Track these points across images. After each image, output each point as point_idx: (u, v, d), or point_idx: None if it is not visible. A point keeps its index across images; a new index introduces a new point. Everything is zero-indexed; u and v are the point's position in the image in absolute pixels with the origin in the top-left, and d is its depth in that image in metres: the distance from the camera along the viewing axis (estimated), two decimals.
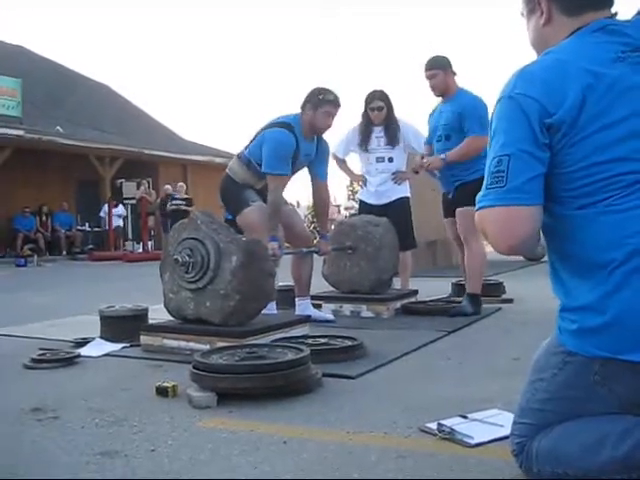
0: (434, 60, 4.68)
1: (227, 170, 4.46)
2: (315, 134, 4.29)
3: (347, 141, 5.35)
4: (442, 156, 4.63)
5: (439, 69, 4.64)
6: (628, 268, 1.41)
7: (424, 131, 5.10)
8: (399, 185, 5.32)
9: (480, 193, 1.52)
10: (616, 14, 1.58)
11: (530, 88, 1.47)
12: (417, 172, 5.36)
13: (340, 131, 5.45)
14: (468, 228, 4.50)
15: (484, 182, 1.51)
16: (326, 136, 4.43)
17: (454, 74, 4.70)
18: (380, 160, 5.28)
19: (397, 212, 5.22)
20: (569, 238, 1.50)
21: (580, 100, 1.43)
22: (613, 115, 1.44)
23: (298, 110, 4.27)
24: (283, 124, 4.16)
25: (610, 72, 1.45)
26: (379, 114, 5.20)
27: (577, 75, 1.44)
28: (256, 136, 4.28)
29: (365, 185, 5.40)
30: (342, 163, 5.48)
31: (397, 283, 5.39)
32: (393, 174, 5.28)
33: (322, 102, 4.18)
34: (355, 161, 5.57)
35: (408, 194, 5.44)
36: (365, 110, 5.24)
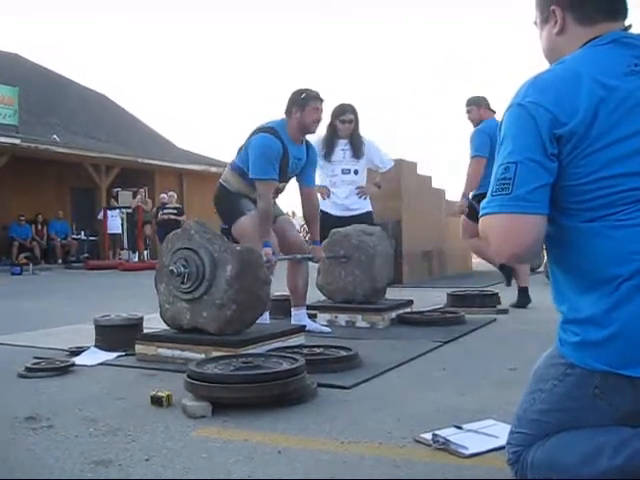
0: (470, 99, 5.86)
1: (220, 180, 4.46)
2: (307, 133, 4.31)
3: None
4: (462, 192, 5.72)
5: (473, 105, 5.82)
6: (634, 284, 1.40)
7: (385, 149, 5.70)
8: (364, 199, 5.53)
9: (485, 199, 1.51)
10: (630, 26, 1.56)
11: (542, 97, 1.45)
12: (379, 186, 5.60)
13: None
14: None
15: (490, 188, 1.50)
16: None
17: (488, 109, 5.81)
18: (346, 172, 5.43)
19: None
20: (574, 250, 1.49)
21: (592, 113, 1.42)
22: (625, 129, 1.42)
23: (282, 116, 4.29)
24: (267, 129, 4.19)
25: (623, 85, 1.44)
26: (349, 127, 5.34)
27: (590, 87, 1.43)
28: (244, 145, 4.30)
29: (329, 196, 5.45)
30: None
31: (390, 293, 5.40)
32: (357, 188, 5.46)
33: (307, 99, 4.22)
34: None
35: (371, 208, 5.64)
36: (332, 122, 5.33)
